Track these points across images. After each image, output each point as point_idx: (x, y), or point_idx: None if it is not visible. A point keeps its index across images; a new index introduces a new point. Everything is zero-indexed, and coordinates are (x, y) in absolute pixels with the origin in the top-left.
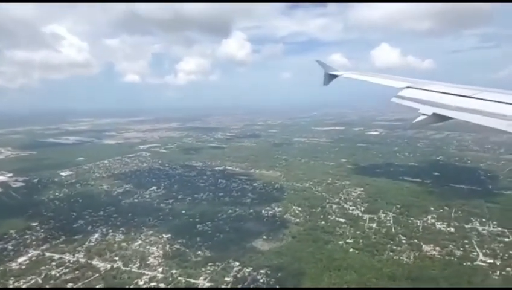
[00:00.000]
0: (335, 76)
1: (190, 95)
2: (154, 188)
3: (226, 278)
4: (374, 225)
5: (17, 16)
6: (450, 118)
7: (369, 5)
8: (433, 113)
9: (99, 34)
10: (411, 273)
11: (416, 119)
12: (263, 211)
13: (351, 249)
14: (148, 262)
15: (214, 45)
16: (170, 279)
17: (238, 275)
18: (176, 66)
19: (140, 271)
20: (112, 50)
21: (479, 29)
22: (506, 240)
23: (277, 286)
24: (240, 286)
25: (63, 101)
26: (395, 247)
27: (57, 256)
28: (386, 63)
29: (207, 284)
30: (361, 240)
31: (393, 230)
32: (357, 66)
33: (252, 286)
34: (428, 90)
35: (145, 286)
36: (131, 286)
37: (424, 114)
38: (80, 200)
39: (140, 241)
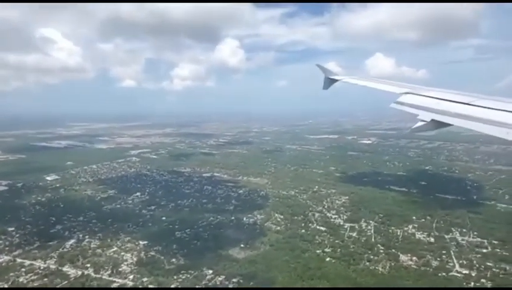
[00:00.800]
0: (335, 80)
1: (187, 101)
2: (138, 194)
3: (197, 287)
4: (354, 234)
5: (9, 19)
6: (449, 125)
7: (360, 13)
8: (432, 120)
9: (90, 39)
10: (384, 283)
11: (415, 125)
12: (244, 219)
13: (328, 258)
14: (120, 269)
15: (208, 52)
16: (140, 287)
17: (210, 284)
18: (171, 72)
19: (110, 279)
20: (105, 55)
21: (465, 40)
22: (485, 251)
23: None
24: None
25: (59, 106)
26: (372, 257)
27: (28, 262)
28: (380, 72)
29: None
30: (339, 249)
31: (372, 239)
32: (351, 74)
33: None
34: (427, 96)
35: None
36: None
37: (422, 120)
38: (62, 205)
39: (115, 248)
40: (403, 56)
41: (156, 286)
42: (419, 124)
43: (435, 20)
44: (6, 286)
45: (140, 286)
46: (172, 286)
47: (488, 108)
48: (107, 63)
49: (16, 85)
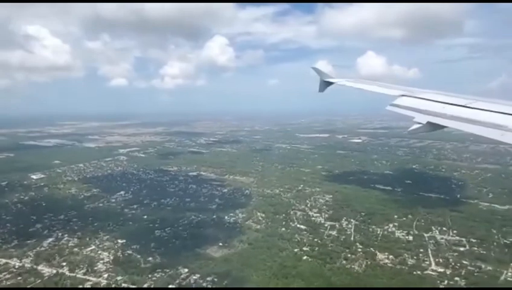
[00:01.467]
0: (330, 83)
1: (180, 99)
2: (122, 192)
3: (171, 285)
4: (334, 233)
5: None
6: (445, 127)
7: (346, 11)
8: (428, 122)
9: (77, 37)
10: (358, 282)
11: (411, 128)
12: (226, 218)
13: (305, 257)
14: (95, 268)
15: (197, 50)
16: (113, 285)
17: (183, 283)
18: (161, 71)
19: (85, 277)
20: (93, 53)
21: (458, 39)
22: (462, 249)
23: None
24: None
25: (49, 105)
26: (349, 255)
27: (3, 261)
28: (371, 71)
29: None
30: (317, 248)
31: (352, 238)
32: (343, 73)
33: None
34: (423, 99)
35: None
36: None
37: (418, 122)
38: (44, 204)
39: (93, 247)
40: (394, 55)
41: (150, 286)
42: (415, 126)
43: (421, 18)
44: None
45: (142, 286)
46: (145, 286)
47: (484, 110)
48: (96, 62)
49: (3, 83)
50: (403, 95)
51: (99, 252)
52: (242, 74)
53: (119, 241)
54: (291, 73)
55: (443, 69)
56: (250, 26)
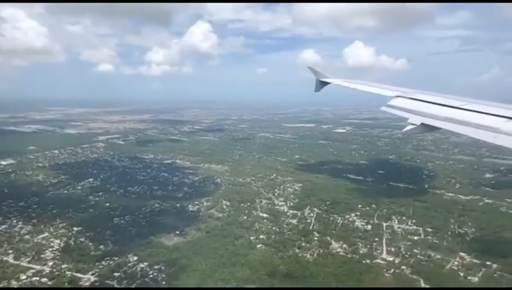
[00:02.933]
0: (326, 83)
1: (171, 87)
2: (90, 179)
3: (115, 273)
4: (294, 221)
5: None
6: (438, 128)
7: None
8: (422, 123)
9: (56, 20)
10: (304, 270)
11: (405, 129)
12: (190, 206)
13: (259, 245)
14: (42, 256)
15: (178, 36)
16: (56, 273)
17: (129, 271)
18: (146, 57)
19: (28, 265)
20: (74, 37)
21: (449, 31)
22: (416, 238)
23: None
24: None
25: (35, 90)
26: (304, 244)
27: None
28: (358, 60)
29: (92, 279)
30: (273, 236)
31: (310, 227)
32: (331, 63)
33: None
34: (417, 100)
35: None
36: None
37: (412, 124)
38: (6, 190)
39: (46, 234)
40: (382, 45)
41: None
42: (409, 127)
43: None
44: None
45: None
46: (90, 273)
47: (477, 112)
48: (77, 46)
49: None
50: (397, 96)
51: (51, 239)
52: (235, 63)
53: (75, 228)
54: (282, 62)
55: (434, 61)
56: (242, 13)
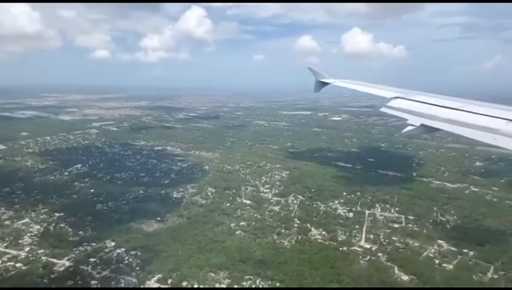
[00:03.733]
0: (326, 83)
1: (170, 74)
2: (78, 165)
3: (91, 259)
4: (277, 208)
5: None
6: (438, 129)
7: None
8: (421, 124)
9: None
10: (279, 257)
11: (405, 130)
12: (174, 193)
13: (238, 232)
14: (20, 241)
15: (174, 22)
16: (32, 258)
17: (105, 256)
18: (141, 43)
19: (5, 250)
20: (66, 22)
21: (442, 18)
22: (396, 226)
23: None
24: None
25: (35, 75)
26: (283, 230)
27: None
28: (356, 47)
29: (67, 264)
30: (254, 223)
31: (292, 214)
32: (328, 50)
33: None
34: (417, 101)
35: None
36: None
37: (412, 125)
38: None
39: (27, 219)
40: (381, 32)
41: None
42: (409, 128)
43: None
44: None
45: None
46: (65, 259)
47: (477, 113)
48: (72, 32)
49: None
50: (397, 97)
51: (31, 225)
52: (229, 49)
53: (56, 214)
54: (279, 49)
55: (435, 48)
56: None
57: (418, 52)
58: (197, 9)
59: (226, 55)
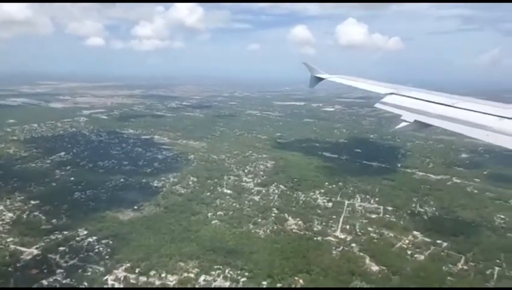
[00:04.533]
0: (321, 79)
1: (166, 63)
2: (62, 153)
3: (60, 248)
4: (257, 198)
5: None
6: (431, 126)
7: None
8: (415, 120)
9: None
10: (251, 246)
11: (399, 126)
12: (155, 181)
13: (214, 221)
14: None
15: (165, 10)
16: (1, 247)
17: (75, 245)
18: (134, 31)
19: None
20: (58, 9)
21: (441, 9)
22: (374, 216)
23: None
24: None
25: (32, 63)
26: (260, 220)
27: None
28: (351, 39)
29: (35, 253)
30: (231, 213)
31: (271, 204)
32: (324, 41)
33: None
34: (411, 97)
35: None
36: None
37: (406, 121)
38: None
39: (1, 207)
40: (377, 23)
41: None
42: (403, 124)
43: None
44: None
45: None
46: (34, 247)
47: (469, 110)
48: (62, 19)
49: None
50: (391, 93)
51: (4, 212)
52: (226, 38)
53: (32, 202)
54: (275, 38)
55: (434, 40)
56: None
57: (416, 44)
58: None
59: (222, 44)
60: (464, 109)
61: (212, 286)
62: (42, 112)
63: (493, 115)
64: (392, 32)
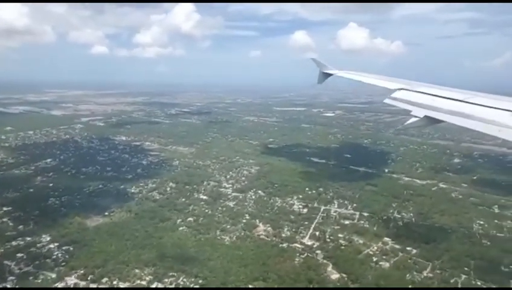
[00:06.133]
0: (329, 74)
1: (174, 71)
2: (49, 160)
3: (18, 254)
4: (232, 204)
5: None
6: (441, 121)
7: None
8: (425, 116)
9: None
10: (212, 253)
11: (408, 121)
12: (133, 187)
13: (181, 228)
14: None
15: (164, 18)
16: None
17: (34, 251)
18: (136, 39)
19: None
20: (59, 18)
21: (448, 14)
22: (347, 222)
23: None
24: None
25: (41, 71)
26: (229, 226)
27: None
28: (352, 44)
29: None
30: (201, 219)
31: (245, 210)
32: (328, 47)
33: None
34: (421, 93)
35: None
36: None
37: (415, 116)
38: None
39: None
40: (386, 29)
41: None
42: (413, 120)
43: None
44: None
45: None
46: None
47: (482, 105)
48: (63, 27)
49: None
50: (401, 89)
51: None
52: (231, 45)
53: (4, 208)
54: (282, 45)
55: (442, 44)
56: None
57: (423, 48)
58: (185, 6)
59: (227, 51)
60: (476, 104)
61: None
62: (41, 119)
63: (506, 110)
64: (399, 37)
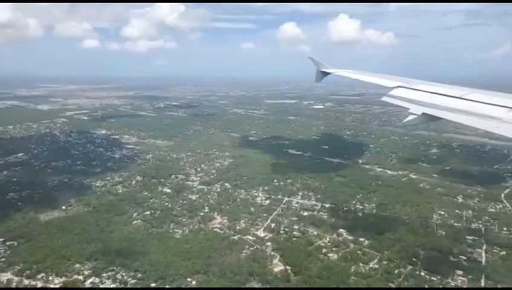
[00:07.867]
0: (327, 73)
1: (173, 65)
2: (20, 154)
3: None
4: (194, 197)
5: None
6: (440, 118)
7: None
8: (423, 113)
9: None
10: (157, 247)
11: (406, 119)
12: (98, 181)
13: (136, 221)
14: None
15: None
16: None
17: None
18: (121, 32)
19: None
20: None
21: (443, 5)
22: (306, 214)
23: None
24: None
25: (36, 66)
26: (185, 220)
27: None
28: (342, 35)
29: None
30: (158, 212)
31: (206, 202)
32: (313, 37)
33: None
34: (419, 90)
35: None
36: None
37: (413, 114)
38: None
39: None
40: (384, 22)
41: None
42: (411, 117)
43: None
44: None
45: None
46: None
47: (479, 102)
48: (49, 21)
49: None
50: (399, 86)
51: None
52: (237, 40)
53: None
54: (279, 38)
55: (440, 36)
56: None
57: (423, 41)
58: None
59: (224, 43)
60: (474, 100)
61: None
62: (25, 114)
63: (503, 107)
64: (396, 29)
